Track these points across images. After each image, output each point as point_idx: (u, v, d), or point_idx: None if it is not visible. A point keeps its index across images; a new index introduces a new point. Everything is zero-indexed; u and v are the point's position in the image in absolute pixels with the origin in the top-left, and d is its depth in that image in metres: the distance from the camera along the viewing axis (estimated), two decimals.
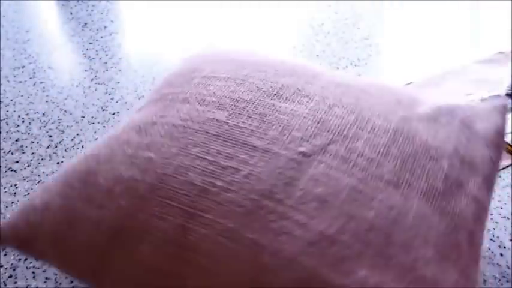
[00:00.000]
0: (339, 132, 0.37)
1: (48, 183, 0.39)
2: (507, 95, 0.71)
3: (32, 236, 0.37)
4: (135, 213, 0.34)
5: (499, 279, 0.47)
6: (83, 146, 0.61)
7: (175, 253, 0.32)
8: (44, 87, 0.72)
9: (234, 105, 0.39)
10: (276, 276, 0.30)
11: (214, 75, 0.44)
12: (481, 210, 0.38)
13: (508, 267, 0.48)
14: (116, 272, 0.34)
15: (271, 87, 0.41)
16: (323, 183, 0.34)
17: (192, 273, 0.32)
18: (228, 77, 0.43)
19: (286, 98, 0.40)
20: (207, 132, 0.37)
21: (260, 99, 0.40)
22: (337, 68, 0.77)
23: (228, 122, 0.38)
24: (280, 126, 0.37)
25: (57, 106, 0.68)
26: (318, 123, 0.38)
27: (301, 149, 0.36)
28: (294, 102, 0.40)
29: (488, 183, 0.40)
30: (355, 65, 0.77)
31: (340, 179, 0.34)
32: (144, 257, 0.33)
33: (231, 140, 0.37)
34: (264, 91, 0.41)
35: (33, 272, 0.46)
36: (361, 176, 0.34)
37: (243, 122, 0.38)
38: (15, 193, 0.55)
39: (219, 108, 0.39)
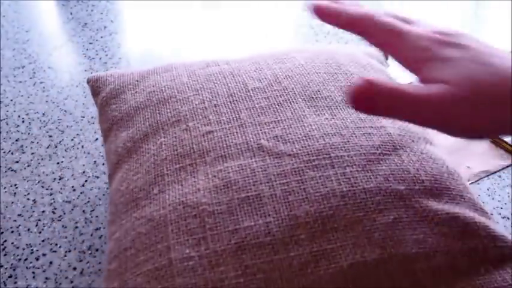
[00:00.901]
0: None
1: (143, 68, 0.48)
2: None
3: (101, 88, 0.47)
4: (143, 106, 0.42)
5: None
6: (82, 146, 0.61)
7: (134, 146, 0.40)
8: (44, 87, 0.72)
9: (276, 84, 0.41)
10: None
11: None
12: None
13: None
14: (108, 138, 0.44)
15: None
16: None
17: (130, 167, 0.39)
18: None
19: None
20: (228, 90, 0.41)
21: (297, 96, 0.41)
22: None
23: (249, 91, 0.40)
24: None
25: (57, 106, 0.68)
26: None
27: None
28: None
29: None
30: None
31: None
32: (120, 138, 0.42)
33: (230, 104, 0.39)
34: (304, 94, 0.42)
35: (33, 272, 0.46)
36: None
37: (259, 99, 0.40)
38: (15, 193, 0.55)
39: (259, 81, 0.42)
